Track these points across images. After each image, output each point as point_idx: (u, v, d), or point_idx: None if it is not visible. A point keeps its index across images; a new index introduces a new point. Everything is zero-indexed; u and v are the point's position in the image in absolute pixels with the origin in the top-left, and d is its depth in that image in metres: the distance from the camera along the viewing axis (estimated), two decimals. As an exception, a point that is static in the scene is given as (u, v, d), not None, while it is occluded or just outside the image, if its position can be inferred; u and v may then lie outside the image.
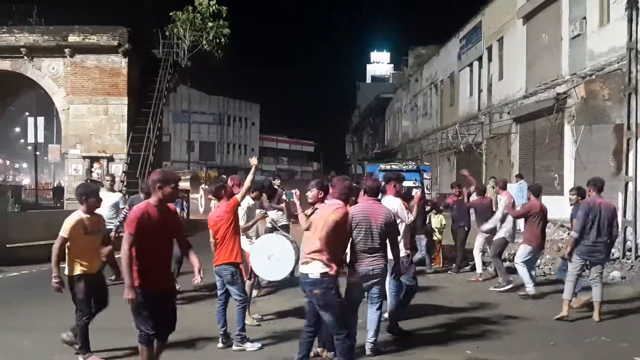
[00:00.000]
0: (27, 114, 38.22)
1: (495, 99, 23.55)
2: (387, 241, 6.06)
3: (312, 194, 6.12)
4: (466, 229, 11.87)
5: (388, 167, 16.25)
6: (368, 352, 6.23)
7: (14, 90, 26.57)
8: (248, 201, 7.77)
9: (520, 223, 11.29)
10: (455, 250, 12.18)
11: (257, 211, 8.24)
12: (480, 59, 25.57)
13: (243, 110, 75.99)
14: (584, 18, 16.21)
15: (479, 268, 11.07)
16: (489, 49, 24.39)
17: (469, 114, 26.48)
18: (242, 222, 7.67)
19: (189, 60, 24.56)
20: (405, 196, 7.85)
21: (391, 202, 7.00)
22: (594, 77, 15.15)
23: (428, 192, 15.78)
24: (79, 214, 6.09)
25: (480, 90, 25.73)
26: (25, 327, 7.42)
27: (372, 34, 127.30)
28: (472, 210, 11.82)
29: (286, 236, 7.30)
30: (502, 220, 10.47)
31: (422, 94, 36.19)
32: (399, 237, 6.70)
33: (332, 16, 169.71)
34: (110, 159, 22.24)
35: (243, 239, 7.71)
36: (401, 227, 6.92)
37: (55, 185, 36.43)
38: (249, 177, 6.95)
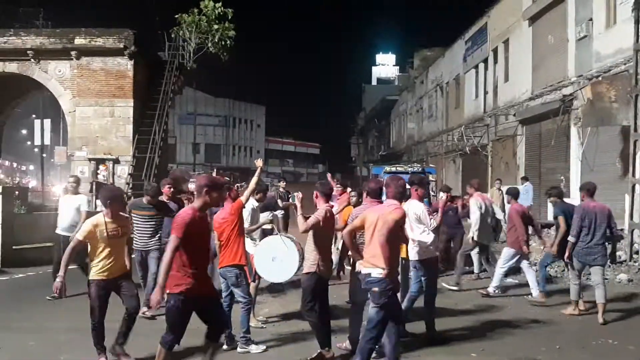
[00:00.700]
0: (33, 116, 38.43)
1: (501, 101, 23.49)
2: None
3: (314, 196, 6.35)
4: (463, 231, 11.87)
5: (393, 169, 16.28)
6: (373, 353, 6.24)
7: (20, 92, 26.69)
8: (252, 203, 7.77)
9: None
10: (450, 254, 11.98)
11: (266, 214, 8.25)
12: (485, 60, 25.51)
13: (249, 112, 76.13)
14: (590, 19, 16.14)
15: (476, 269, 11.27)
16: (495, 51, 24.34)
17: (475, 116, 26.42)
18: (246, 224, 7.68)
19: (194, 62, 24.61)
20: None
21: (414, 207, 6.99)
22: (600, 78, 15.08)
23: (433, 194, 15.74)
24: (98, 217, 6.00)
25: (485, 92, 25.67)
26: (32, 328, 7.44)
27: (377, 36, 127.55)
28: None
29: (290, 238, 7.29)
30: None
31: (428, 96, 36.15)
32: (429, 240, 6.77)
33: (338, 18, 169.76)
34: (116, 161, 22.32)
35: (247, 240, 7.70)
36: (424, 233, 6.93)
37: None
38: (254, 179, 6.97)
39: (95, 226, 5.87)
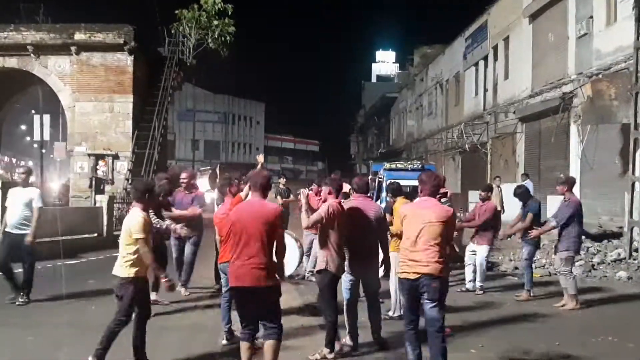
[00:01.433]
0: (33, 111, 38.30)
1: (501, 99, 23.48)
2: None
3: (323, 192, 6.40)
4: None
5: (393, 166, 16.25)
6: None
7: (20, 87, 26.68)
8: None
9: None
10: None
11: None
12: (486, 58, 25.49)
13: (248, 109, 76.06)
14: (591, 17, 16.12)
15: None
16: (495, 48, 24.32)
17: (474, 114, 26.40)
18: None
19: (194, 58, 24.61)
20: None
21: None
22: (600, 76, 15.08)
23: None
24: (140, 212, 5.64)
25: (485, 90, 25.64)
26: (30, 324, 7.41)
27: (377, 33, 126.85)
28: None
29: (290, 234, 7.29)
30: None
31: (428, 93, 36.12)
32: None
33: (338, 15, 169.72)
34: (116, 157, 22.32)
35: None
36: None
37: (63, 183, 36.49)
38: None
39: (146, 220, 5.63)
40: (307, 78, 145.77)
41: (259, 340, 5.37)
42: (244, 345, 5.14)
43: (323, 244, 6.03)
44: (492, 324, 7.65)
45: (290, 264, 6.89)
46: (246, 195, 6.82)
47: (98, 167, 22.30)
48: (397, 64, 70.43)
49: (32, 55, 22.31)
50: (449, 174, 30.04)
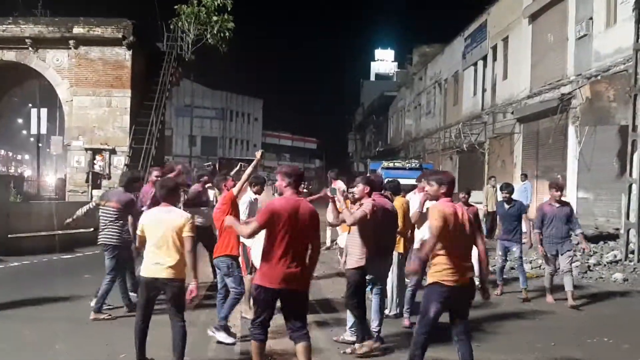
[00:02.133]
0: (30, 105, 38.20)
1: (499, 99, 23.48)
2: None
3: (358, 189, 6.26)
4: None
5: (391, 164, 16.28)
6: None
7: (17, 81, 26.60)
8: (250, 196, 7.75)
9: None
10: None
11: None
12: (485, 58, 25.48)
13: (246, 105, 75.91)
14: (591, 18, 16.12)
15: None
16: (494, 48, 24.31)
17: (473, 113, 26.41)
18: (243, 217, 7.66)
19: (192, 54, 24.54)
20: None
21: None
22: (599, 78, 15.09)
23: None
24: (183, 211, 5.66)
25: (484, 90, 25.64)
26: (27, 317, 7.41)
27: (376, 31, 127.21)
28: None
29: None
30: None
31: (426, 92, 36.12)
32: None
33: (337, 13, 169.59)
34: (113, 152, 22.27)
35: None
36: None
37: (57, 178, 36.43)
38: (248, 170, 6.97)
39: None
40: (305, 75, 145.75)
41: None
42: (262, 345, 5.03)
43: (363, 241, 6.03)
44: (487, 324, 7.65)
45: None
46: (238, 191, 6.81)
47: (95, 161, 22.26)
48: (396, 63, 70.58)
49: (30, 48, 22.23)
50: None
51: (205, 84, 65.53)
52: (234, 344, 6.41)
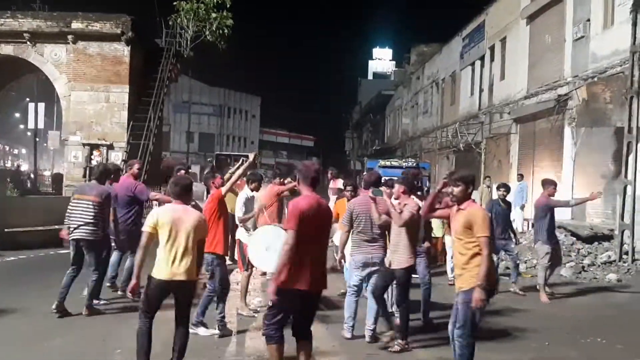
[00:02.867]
0: (27, 99, 38.14)
1: (496, 99, 23.52)
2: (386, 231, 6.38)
3: (395, 189, 6.51)
4: None
5: (388, 163, 16.32)
6: (367, 339, 6.49)
7: (15, 75, 26.56)
8: (246, 193, 7.79)
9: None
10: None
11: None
12: (482, 58, 25.51)
13: (244, 102, 75.85)
14: (588, 20, 16.17)
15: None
16: (492, 49, 24.34)
17: (470, 113, 26.45)
18: (240, 214, 7.71)
19: (191, 50, 24.55)
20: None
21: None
22: (596, 79, 15.14)
23: (427, 189, 15.81)
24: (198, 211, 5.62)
25: (481, 90, 25.68)
26: (23, 311, 7.42)
27: (374, 30, 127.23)
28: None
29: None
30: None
31: (423, 91, 36.14)
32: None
33: (335, 11, 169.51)
34: (110, 147, 22.28)
35: (241, 230, 7.74)
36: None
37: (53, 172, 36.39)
38: (239, 170, 7.02)
39: None
40: (303, 73, 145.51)
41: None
42: (281, 347, 4.85)
43: (408, 242, 6.16)
44: (482, 324, 7.67)
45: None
46: (226, 190, 6.83)
47: (92, 156, 22.27)
48: (394, 62, 70.54)
49: (28, 43, 22.21)
50: (442, 172, 30.13)
51: (203, 80, 65.46)
52: (213, 336, 6.49)
